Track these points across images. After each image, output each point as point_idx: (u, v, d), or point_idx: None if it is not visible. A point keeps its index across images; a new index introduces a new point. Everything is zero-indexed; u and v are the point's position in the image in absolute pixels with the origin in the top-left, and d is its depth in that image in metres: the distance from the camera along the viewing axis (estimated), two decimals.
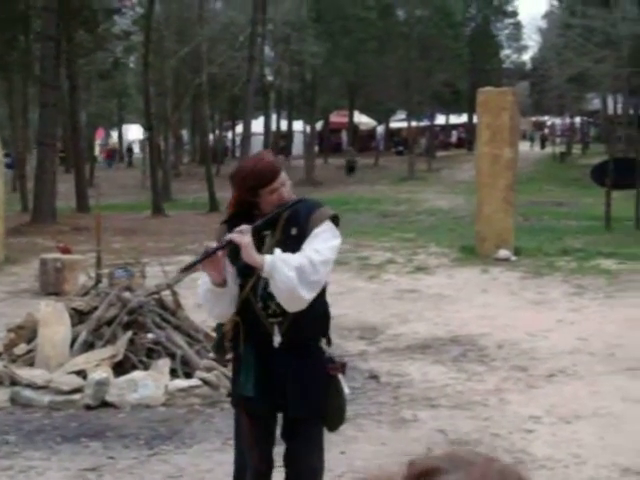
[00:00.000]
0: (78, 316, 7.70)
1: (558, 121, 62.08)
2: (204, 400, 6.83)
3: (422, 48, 41.12)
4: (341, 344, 9.28)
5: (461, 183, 35.90)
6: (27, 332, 7.71)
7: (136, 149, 60.97)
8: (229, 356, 4.34)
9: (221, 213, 19.87)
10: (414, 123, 45.61)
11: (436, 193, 32.92)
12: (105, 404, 6.79)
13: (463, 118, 58.25)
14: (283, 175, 3.79)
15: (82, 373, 7.03)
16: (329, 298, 11.66)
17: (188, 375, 7.25)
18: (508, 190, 14.94)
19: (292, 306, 3.69)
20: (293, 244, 3.72)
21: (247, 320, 3.82)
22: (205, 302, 3.86)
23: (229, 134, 54.39)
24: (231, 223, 3.80)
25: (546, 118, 67.22)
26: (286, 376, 3.78)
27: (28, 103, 31.27)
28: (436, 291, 12.26)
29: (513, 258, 14.53)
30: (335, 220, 3.85)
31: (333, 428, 4.02)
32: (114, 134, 70.62)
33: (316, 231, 3.74)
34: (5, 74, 29.41)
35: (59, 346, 7.31)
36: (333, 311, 11.12)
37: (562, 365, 8.09)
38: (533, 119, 68.29)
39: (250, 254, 3.61)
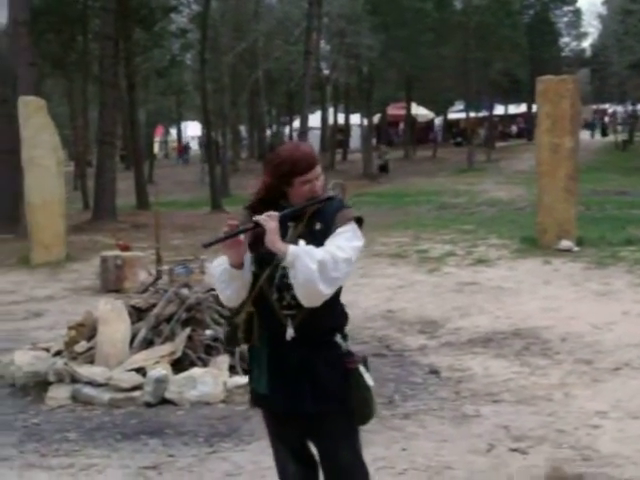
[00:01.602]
0: (137, 313, 7.71)
1: (620, 109, 61.00)
2: None
3: (479, 38, 40.62)
4: (400, 338, 9.21)
5: (520, 173, 35.47)
6: (87, 330, 7.73)
7: (195, 146, 61.38)
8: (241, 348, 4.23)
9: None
10: (472, 114, 45.15)
11: (495, 184, 32.59)
12: (164, 401, 6.79)
13: (522, 108, 57.51)
14: (319, 169, 3.71)
15: (141, 370, 7.04)
16: (389, 292, 11.54)
17: (247, 372, 7.20)
18: (569, 180, 14.66)
19: (309, 299, 3.58)
20: (316, 239, 3.62)
21: (261, 311, 3.74)
22: (219, 283, 3.73)
23: (286, 129, 54.44)
24: (255, 210, 3.70)
25: (607, 106, 66.12)
26: (299, 371, 3.69)
27: (88, 102, 31.62)
28: (497, 283, 12.07)
29: (575, 249, 14.25)
30: (359, 222, 3.75)
31: (361, 422, 3.88)
32: (173, 131, 71.31)
33: (340, 230, 3.64)
34: (65, 74, 29.80)
35: (119, 344, 7.33)
36: (392, 305, 11.12)
37: (628, 358, 7.88)
38: (594, 107, 67.24)
39: (274, 240, 3.53)
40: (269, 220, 3.54)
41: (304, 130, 26.79)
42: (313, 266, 3.48)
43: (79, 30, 25.81)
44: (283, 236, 3.62)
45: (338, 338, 3.76)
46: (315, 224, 3.67)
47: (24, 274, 14.53)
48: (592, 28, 66.70)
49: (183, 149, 60.98)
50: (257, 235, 3.66)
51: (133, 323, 7.58)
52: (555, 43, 53.88)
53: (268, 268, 3.67)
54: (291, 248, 3.51)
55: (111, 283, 12.64)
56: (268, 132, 48.67)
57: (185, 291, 7.84)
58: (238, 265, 3.62)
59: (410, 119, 51.12)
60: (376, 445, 5.71)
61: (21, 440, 6.17)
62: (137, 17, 25.29)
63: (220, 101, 33.72)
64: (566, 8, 54.72)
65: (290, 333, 3.66)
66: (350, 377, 3.73)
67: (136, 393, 6.80)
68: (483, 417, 6.38)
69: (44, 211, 15.14)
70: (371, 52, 35.14)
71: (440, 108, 56.80)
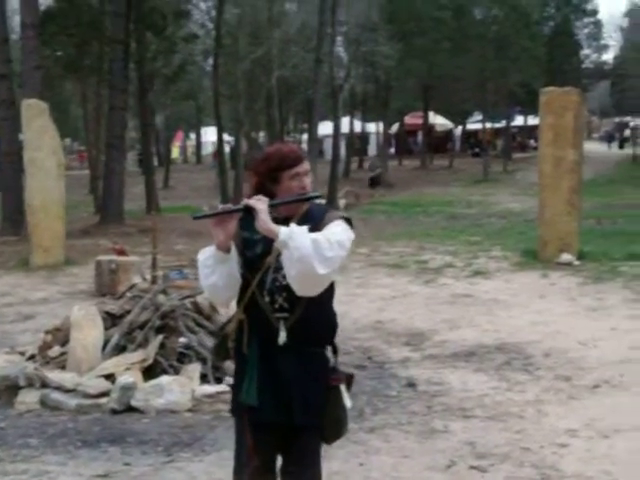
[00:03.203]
0: (111, 319, 7.68)
1: None
2: None
3: (498, 48, 40.44)
4: (385, 350, 9.13)
5: (536, 185, 34.86)
6: (63, 334, 7.71)
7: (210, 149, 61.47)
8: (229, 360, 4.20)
9: None
10: (490, 125, 44.98)
11: (510, 195, 32.45)
12: (132, 409, 6.73)
13: None
14: (307, 165, 3.70)
15: (112, 377, 7.00)
16: (382, 302, 11.43)
17: (220, 380, 7.15)
18: (572, 193, 14.51)
19: (304, 281, 3.49)
20: None
21: (252, 317, 3.69)
22: (204, 268, 3.67)
23: (304, 136, 54.43)
24: (247, 214, 3.63)
25: (629, 119, 65.68)
26: (290, 382, 3.65)
27: (102, 106, 31.75)
28: (491, 296, 11.96)
29: (576, 262, 14.09)
30: (349, 222, 3.73)
31: (329, 441, 3.88)
32: (193, 136, 71.46)
33: (330, 225, 3.63)
34: (79, 77, 29.91)
35: (91, 349, 7.29)
36: (383, 316, 11.02)
37: (609, 375, 7.74)
38: (617, 120, 66.85)
39: (265, 220, 3.47)
40: (259, 202, 3.51)
41: (313, 138, 26.75)
42: (307, 242, 3.43)
43: (91, 34, 25.95)
44: (273, 240, 3.57)
45: (328, 351, 3.75)
46: (305, 225, 3.62)
47: (22, 276, 14.55)
48: (613, 40, 66.41)
49: (217, 154, 61.05)
50: (245, 240, 3.66)
51: (107, 329, 7.55)
52: (575, 55, 53.52)
53: (258, 273, 3.65)
54: (283, 228, 3.47)
55: (105, 287, 12.60)
56: (287, 139, 48.74)
57: (161, 298, 7.79)
58: (224, 247, 3.58)
59: (427, 129, 50.99)
60: (335, 459, 5.63)
61: None
62: (148, 22, 25.36)
63: (236, 107, 33.75)
64: (587, 20, 54.42)
65: (282, 337, 3.62)
66: (330, 394, 3.72)
67: (103, 400, 6.75)
68: (450, 433, 6.29)
69: (44, 213, 15.16)
70: (388, 60, 35.03)
71: (459, 118, 56.59)
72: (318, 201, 3.82)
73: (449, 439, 6.16)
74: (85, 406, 6.74)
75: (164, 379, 6.86)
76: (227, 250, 3.60)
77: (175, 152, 69.71)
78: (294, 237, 3.44)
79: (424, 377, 7.93)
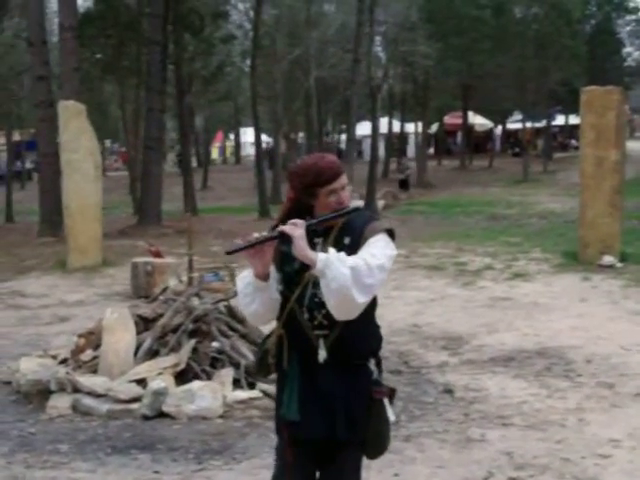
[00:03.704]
0: (144, 323, 7.59)
1: None
2: (264, 413, 6.57)
3: (538, 47, 39.96)
4: (421, 355, 8.96)
5: (577, 185, 34.53)
6: (96, 338, 7.64)
7: (251, 151, 61.46)
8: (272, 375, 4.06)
9: None
10: (531, 124, 44.49)
11: (550, 195, 32.04)
12: (163, 414, 6.63)
13: None
14: (344, 178, 3.56)
15: (143, 382, 6.91)
16: (419, 305, 11.23)
17: (253, 385, 7.04)
18: (614, 193, 14.22)
19: (342, 309, 3.38)
20: (346, 254, 3.43)
21: (292, 333, 3.58)
22: (244, 297, 3.59)
23: (343, 136, 54.28)
24: (283, 239, 3.52)
25: None
26: (332, 396, 3.52)
27: (140, 108, 31.89)
28: (531, 299, 11.73)
29: (618, 265, 13.81)
30: (391, 234, 3.58)
31: (371, 455, 3.73)
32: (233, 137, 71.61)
33: (371, 240, 3.48)
34: (118, 79, 30.04)
35: (122, 354, 7.21)
36: (420, 319, 10.82)
37: None
38: None
39: (302, 247, 3.35)
40: (295, 228, 3.38)
41: (351, 138, 26.63)
42: (346, 272, 3.30)
43: (129, 35, 26.04)
44: None
45: (372, 364, 3.61)
46: (344, 239, 3.52)
47: (59, 278, 14.58)
48: None
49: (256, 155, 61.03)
50: (283, 254, 3.54)
51: (139, 333, 7.46)
52: (617, 53, 52.83)
53: (297, 288, 3.54)
54: (321, 255, 3.36)
55: (141, 289, 12.57)
56: (326, 140, 48.66)
57: (194, 301, 7.69)
58: (263, 276, 3.48)
59: (466, 128, 50.58)
60: (370, 469, 5.44)
61: (12, 450, 6.08)
62: (186, 23, 25.38)
63: (274, 108, 33.77)
64: (629, 17, 53.70)
65: (322, 355, 3.51)
66: (372, 407, 3.58)
67: (134, 405, 6.67)
68: (488, 442, 6.11)
69: (81, 215, 15.18)
70: (426, 60, 34.75)
71: (499, 118, 56.13)
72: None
73: (486, 449, 5.98)
74: (116, 411, 6.66)
75: (195, 384, 6.75)
76: (266, 278, 3.50)
77: (214, 153, 69.94)
78: (331, 266, 3.32)
79: (461, 383, 7.76)
